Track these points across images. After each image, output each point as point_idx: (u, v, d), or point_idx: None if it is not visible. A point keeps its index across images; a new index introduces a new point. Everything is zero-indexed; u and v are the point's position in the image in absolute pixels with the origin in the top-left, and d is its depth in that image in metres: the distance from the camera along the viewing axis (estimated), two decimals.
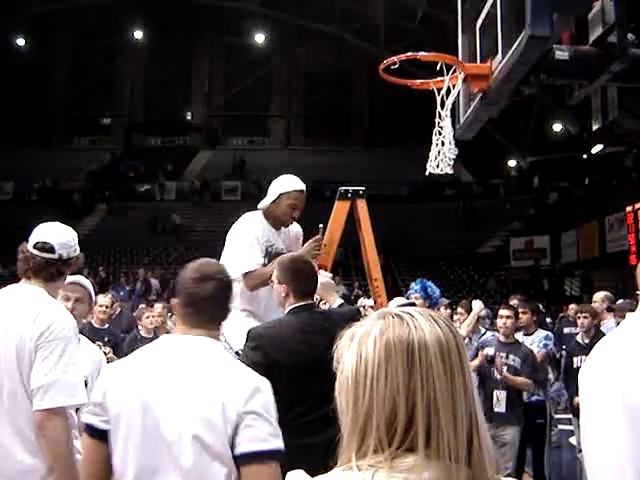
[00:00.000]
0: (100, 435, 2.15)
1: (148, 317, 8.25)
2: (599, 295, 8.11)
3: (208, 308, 2.27)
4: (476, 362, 6.16)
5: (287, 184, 4.38)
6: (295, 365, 3.23)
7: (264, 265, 4.20)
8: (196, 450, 2.04)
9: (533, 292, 21.47)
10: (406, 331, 1.19)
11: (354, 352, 1.20)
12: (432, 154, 4.49)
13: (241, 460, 2.04)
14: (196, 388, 2.09)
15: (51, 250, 2.87)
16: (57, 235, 2.93)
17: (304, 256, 3.82)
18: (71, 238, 2.97)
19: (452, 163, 4.43)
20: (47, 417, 2.60)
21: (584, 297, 18.77)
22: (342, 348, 1.23)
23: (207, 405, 2.06)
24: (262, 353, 3.26)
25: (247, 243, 4.24)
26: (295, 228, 4.62)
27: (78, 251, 3.00)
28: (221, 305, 2.34)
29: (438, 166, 4.44)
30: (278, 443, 2.06)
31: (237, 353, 3.71)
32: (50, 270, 2.87)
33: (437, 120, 4.46)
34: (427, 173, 4.55)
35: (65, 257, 2.90)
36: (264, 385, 2.13)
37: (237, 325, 3.85)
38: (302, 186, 4.39)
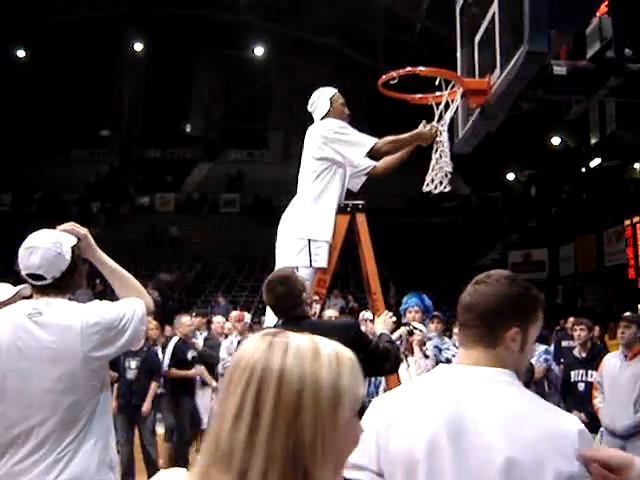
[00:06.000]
0: None
1: None
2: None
3: (486, 316, 1.86)
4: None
5: (327, 90, 4.90)
6: None
7: None
8: None
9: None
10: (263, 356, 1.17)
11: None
12: (429, 176, 4.54)
13: None
14: (506, 438, 1.69)
15: None
16: None
17: None
18: None
19: (449, 179, 4.46)
20: None
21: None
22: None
23: (523, 460, 1.66)
24: None
25: (353, 130, 4.70)
26: None
27: None
28: (505, 312, 1.85)
29: (437, 186, 4.49)
30: None
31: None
32: None
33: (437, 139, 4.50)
34: (425, 191, 4.59)
35: None
36: (582, 425, 1.73)
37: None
38: None
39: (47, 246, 2.77)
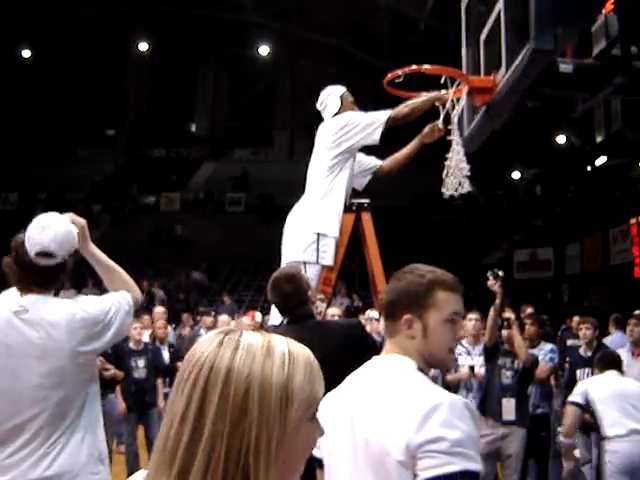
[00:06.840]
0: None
1: (136, 328, 7.87)
2: None
3: (396, 306, 2.01)
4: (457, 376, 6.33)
5: (337, 88, 4.92)
6: None
7: None
8: None
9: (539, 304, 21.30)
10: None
11: None
12: (446, 179, 4.51)
13: None
14: (370, 419, 1.86)
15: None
16: None
17: None
18: None
19: (467, 178, 4.42)
20: None
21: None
22: None
23: (378, 438, 1.81)
24: None
25: (360, 116, 4.74)
26: None
27: None
28: (403, 301, 2.00)
29: (457, 187, 4.46)
30: (465, 464, 1.68)
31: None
32: None
33: (451, 137, 4.48)
34: (447, 195, 4.56)
35: None
36: (444, 402, 1.76)
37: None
38: None
39: (60, 224, 2.79)
